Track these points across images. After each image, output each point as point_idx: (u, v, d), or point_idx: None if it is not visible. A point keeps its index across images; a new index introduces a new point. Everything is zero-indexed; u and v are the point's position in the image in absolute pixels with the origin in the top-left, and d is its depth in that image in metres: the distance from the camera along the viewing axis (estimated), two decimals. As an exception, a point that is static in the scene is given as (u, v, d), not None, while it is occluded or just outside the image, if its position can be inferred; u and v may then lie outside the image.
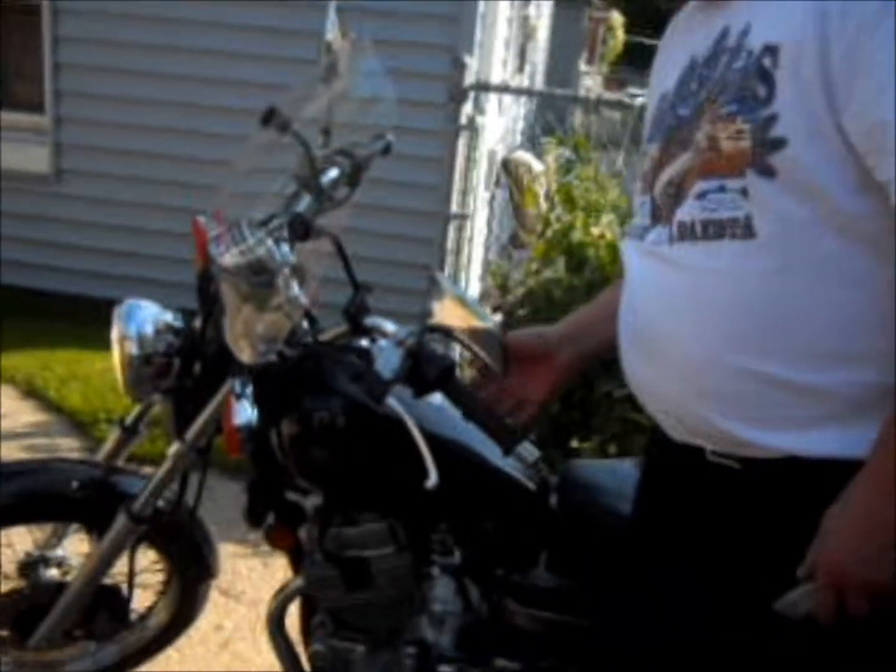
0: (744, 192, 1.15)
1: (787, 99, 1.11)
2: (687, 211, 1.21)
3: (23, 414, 3.91)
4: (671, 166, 1.25)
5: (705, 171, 1.19)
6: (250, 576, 2.86)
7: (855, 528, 1.13)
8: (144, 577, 2.15)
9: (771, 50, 1.13)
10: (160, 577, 2.21)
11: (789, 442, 1.19)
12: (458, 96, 3.89)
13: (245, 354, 1.56)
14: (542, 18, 10.31)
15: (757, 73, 1.14)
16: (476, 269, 4.71)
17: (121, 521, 1.86)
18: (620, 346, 1.39)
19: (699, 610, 1.32)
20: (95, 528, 1.98)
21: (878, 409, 1.14)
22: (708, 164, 1.19)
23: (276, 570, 2.67)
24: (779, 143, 1.12)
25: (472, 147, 4.18)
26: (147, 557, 2.14)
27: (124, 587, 2.03)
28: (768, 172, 1.13)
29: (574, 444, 3.28)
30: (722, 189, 1.17)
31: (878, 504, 1.11)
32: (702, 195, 1.19)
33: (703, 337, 1.20)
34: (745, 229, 1.15)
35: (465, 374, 2.23)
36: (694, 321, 1.21)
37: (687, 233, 1.21)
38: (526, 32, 8.57)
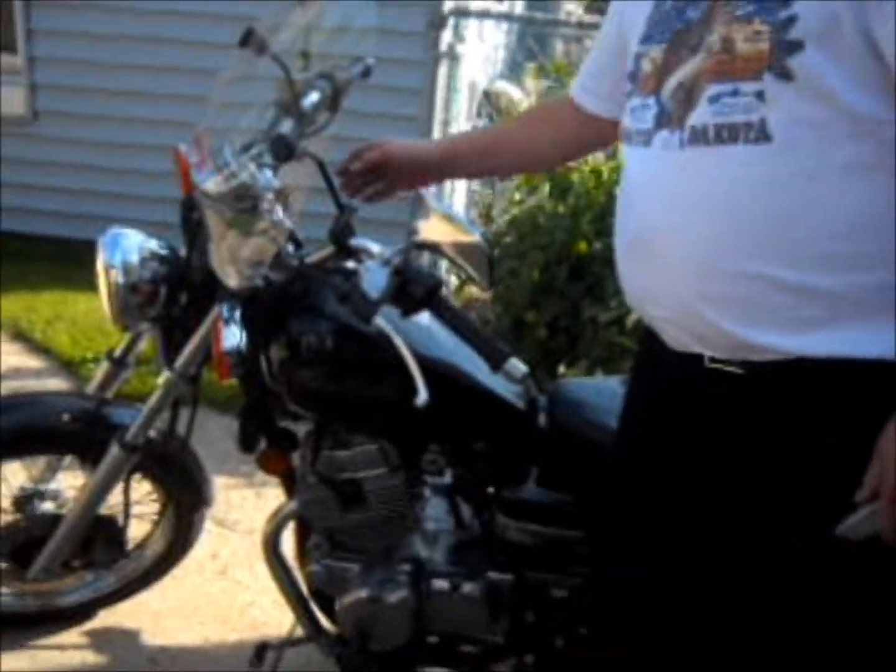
0: (759, 95, 1.14)
1: (808, 0, 1.10)
2: (699, 115, 1.19)
3: (9, 356, 3.90)
4: (681, 70, 1.23)
5: (719, 73, 1.17)
6: (244, 506, 2.89)
7: None
8: (140, 507, 2.18)
9: None
10: (155, 507, 2.24)
11: (797, 343, 1.19)
12: (438, 23, 3.85)
13: (231, 280, 1.57)
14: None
15: None
16: (460, 199, 4.69)
17: (114, 451, 1.88)
18: (619, 254, 1.38)
19: (692, 542, 1.34)
20: (89, 459, 1.99)
21: (885, 310, 1.15)
22: (721, 66, 1.17)
23: (270, 500, 2.69)
24: (797, 46, 1.11)
25: (452, 76, 4.15)
26: (142, 488, 2.16)
27: (120, 517, 2.06)
28: (786, 75, 1.12)
29: (562, 369, 3.31)
30: (736, 92, 1.16)
31: None
32: (715, 98, 1.18)
33: (713, 240, 1.20)
34: (760, 133, 1.15)
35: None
36: (705, 224, 1.20)
37: (699, 137, 1.20)
38: (504, -40, 8.42)
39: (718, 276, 1.20)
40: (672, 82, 1.24)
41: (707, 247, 1.20)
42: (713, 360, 1.27)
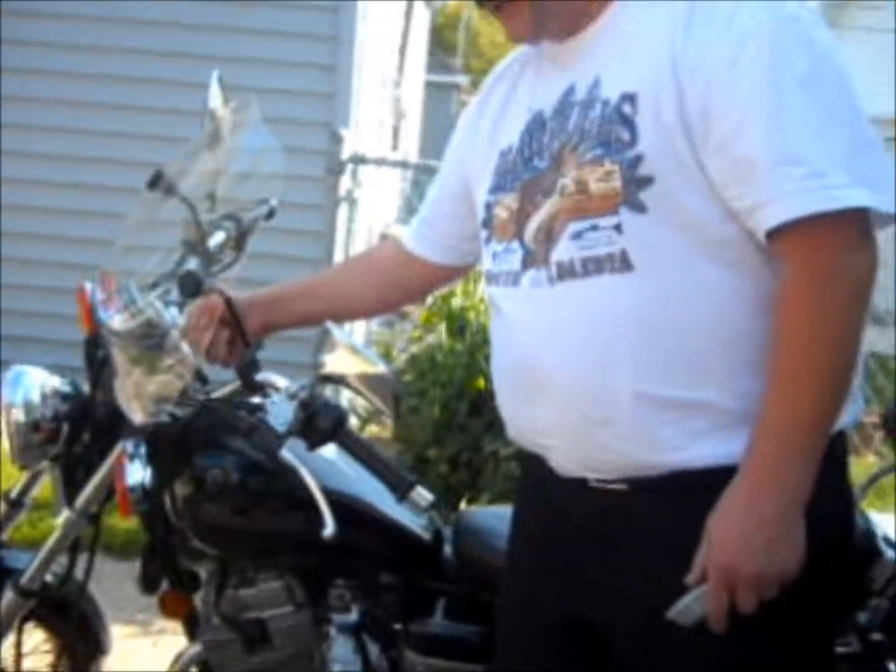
0: (618, 228, 1.23)
1: (651, 141, 1.21)
2: (563, 251, 1.27)
3: None
4: (538, 214, 1.32)
5: (577, 211, 1.26)
6: (139, 656, 2.78)
7: (740, 527, 1.19)
8: (33, 659, 2.08)
9: (629, 98, 1.23)
10: (49, 658, 2.14)
11: (683, 456, 1.25)
12: (337, 169, 3.97)
13: (137, 415, 1.57)
14: (414, 100, 10.57)
15: (618, 118, 1.24)
16: (359, 339, 4.75)
17: (7, 596, 1.81)
18: (499, 391, 1.44)
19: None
20: (-21, 607, 1.91)
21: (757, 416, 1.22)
22: (578, 205, 1.26)
23: (166, 650, 2.59)
24: (647, 181, 1.21)
25: (351, 219, 4.27)
26: (35, 638, 2.07)
27: (11, 669, 1.96)
28: (639, 208, 1.22)
29: (464, 505, 3.32)
30: (595, 228, 1.24)
31: (758, 501, 1.18)
32: (577, 235, 1.26)
33: (595, 368, 1.26)
34: (623, 263, 1.23)
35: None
36: (585, 354, 1.27)
37: (567, 272, 1.27)
38: (398, 113, 8.77)
39: (607, 401, 1.26)
40: (532, 226, 1.33)
41: (591, 374, 1.27)
42: (598, 480, 1.32)
